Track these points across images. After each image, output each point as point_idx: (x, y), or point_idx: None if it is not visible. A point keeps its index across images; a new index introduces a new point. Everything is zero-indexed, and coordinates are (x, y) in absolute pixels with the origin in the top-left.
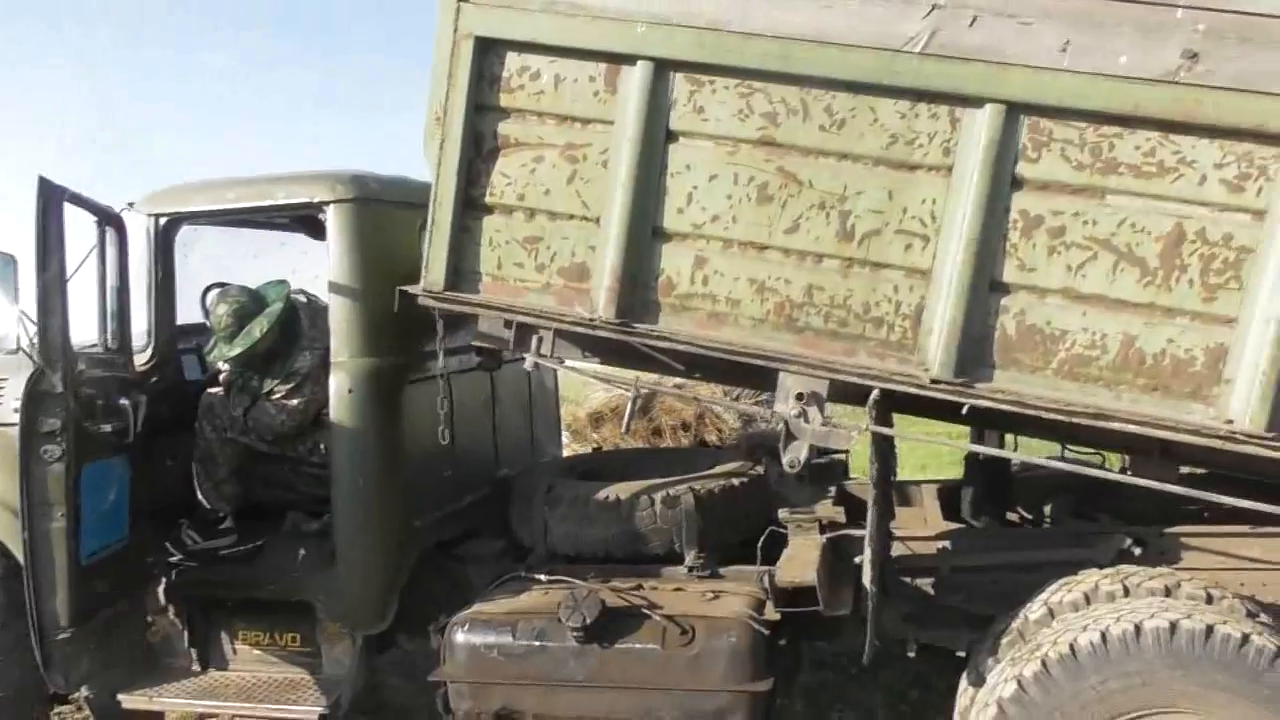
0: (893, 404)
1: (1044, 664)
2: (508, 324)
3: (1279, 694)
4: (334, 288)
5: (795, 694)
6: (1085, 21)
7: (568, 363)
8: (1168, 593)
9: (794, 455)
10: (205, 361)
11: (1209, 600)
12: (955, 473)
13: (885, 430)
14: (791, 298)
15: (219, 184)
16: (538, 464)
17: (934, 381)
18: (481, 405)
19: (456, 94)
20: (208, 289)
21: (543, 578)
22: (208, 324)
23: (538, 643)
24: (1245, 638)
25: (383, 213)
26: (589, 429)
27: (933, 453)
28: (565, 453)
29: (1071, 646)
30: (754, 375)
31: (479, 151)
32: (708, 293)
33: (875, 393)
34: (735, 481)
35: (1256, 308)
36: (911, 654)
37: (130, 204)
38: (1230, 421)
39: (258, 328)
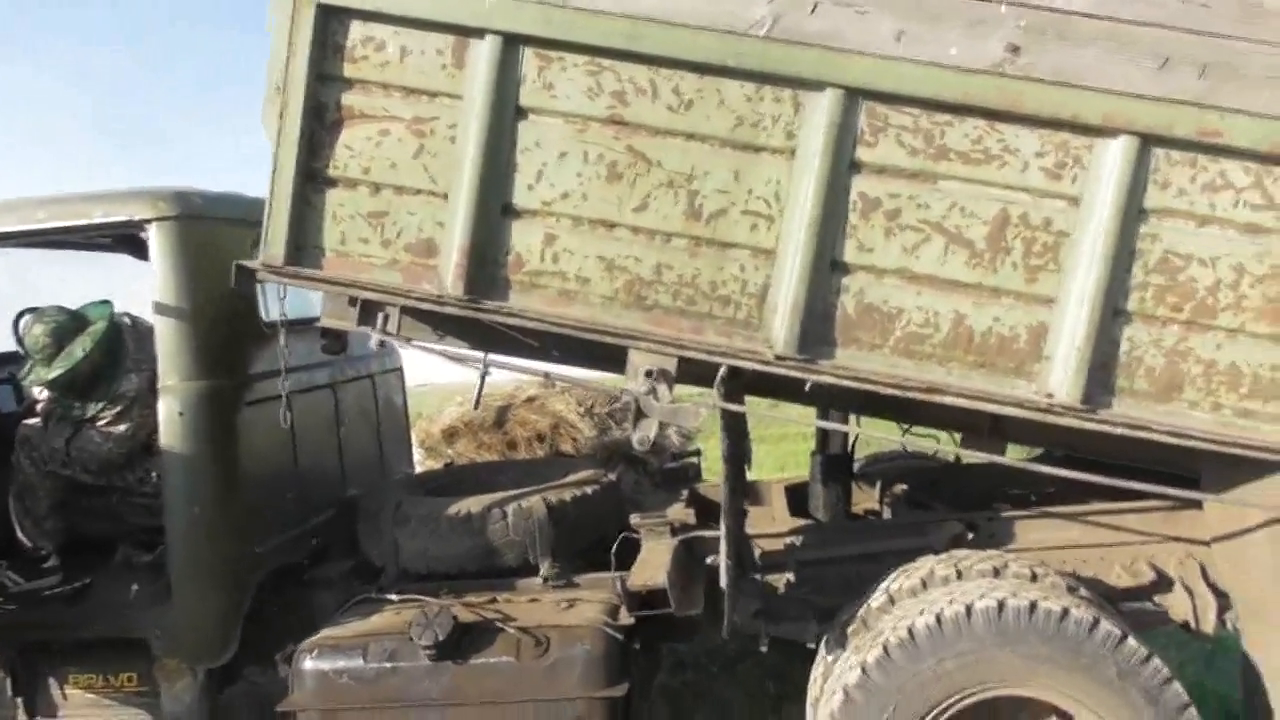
0: (741, 383)
1: (885, 649)
2: (352, 301)
3: (1097, 662)
4: (160, 309)
5: (655, 696)
6: (919, 12)
7: (414, 342)
8: (997, 574)
9: (644, 433)
10: (20, 391)
11: (1033, 579)
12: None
13: (732, 406)
14: (641, 276)
15: (28, 203)
16: (387, 481)
17: (778, 358)
18: (325, 423)
19: (297, 62)
20: (20, 314)
21: (394, 597)
22: (21, 351)
23: (389, 664)
24: (1065, 611)
25: (209, 230)
26: (443, 444)
27: (791, 453)
28: (418, 470)
29: (910, 630)
30: (605, 354)
31: (321, 122)
32: (558, 270)
33: (723, 369)
34: (588, 489)
35: (1073, 288)
36: (764, 649)
37: None
38: (1050, 395)
39: (79, 347)
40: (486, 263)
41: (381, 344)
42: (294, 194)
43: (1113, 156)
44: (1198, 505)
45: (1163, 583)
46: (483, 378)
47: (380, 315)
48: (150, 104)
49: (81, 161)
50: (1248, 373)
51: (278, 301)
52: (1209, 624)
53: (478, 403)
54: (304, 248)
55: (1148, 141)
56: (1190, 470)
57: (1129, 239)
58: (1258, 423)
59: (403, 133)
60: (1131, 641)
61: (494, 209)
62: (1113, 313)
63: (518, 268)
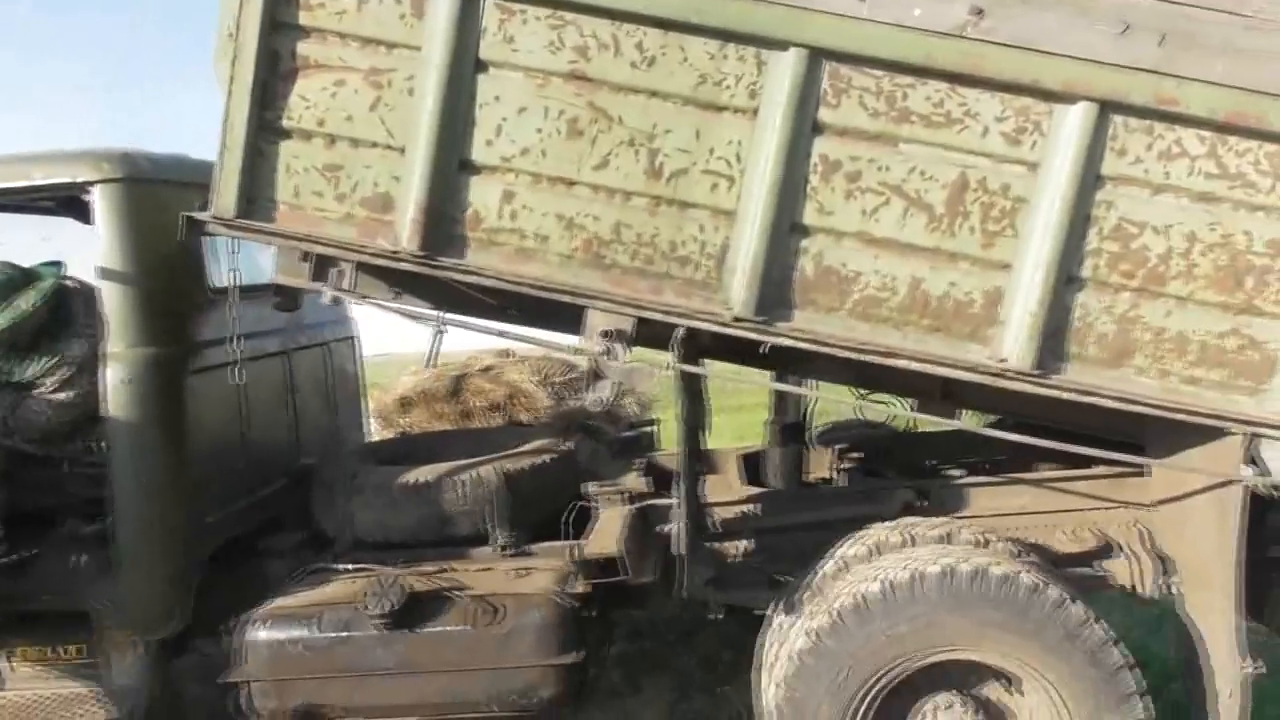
0: (699, 345)
1: (838, 614)
2: (305, 257)
3: (1042, 625)
4: (104, 273)
5: (610, 664)
6: None
7: (369, 299)
8: (947, 540)
9: (599, 393)
10: None
11: (983, 545)
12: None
13: (689, 368)
14: (600, 234)
15: None
16: (340, 451)
17: (736, 320)
18: (277, 392)
19: (250, 8)
20: None
21: (347, 567)
22: None
23: (342, 634)
24: (1012, 576)
25: (156, 193)
26: (398, 414)
27: (749, 423)
28: (372, 439)
29: (862, 596)
30: (563, 314)
31: (275, 72)
32: (516, 227)
33: (680, 330)
34: (544, 459)
35: (1029, 254)
36: (718, 616)
37: None
38: (1004, 360)
39: (25, 300)
40: (443, 219)
41: (336, 301)
42: (246, 145)
43: (1072, 123)
44: (1144, 472)
45: (1108, 548)
46: (437, 335)
47: (334, 271)
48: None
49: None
50: (1195, 340)
51: (227, 263)
52: (1151, 588)
53: (431, 361)
54: (256, 200)
55: (1106, 108)
56: (1138, 437)
57: (1085, 205)
58: (1203, 389)
59: (359, 84)
60: (1075, 605)
61: (452, 164)
62: (1066, 279)
63: (475, 225)
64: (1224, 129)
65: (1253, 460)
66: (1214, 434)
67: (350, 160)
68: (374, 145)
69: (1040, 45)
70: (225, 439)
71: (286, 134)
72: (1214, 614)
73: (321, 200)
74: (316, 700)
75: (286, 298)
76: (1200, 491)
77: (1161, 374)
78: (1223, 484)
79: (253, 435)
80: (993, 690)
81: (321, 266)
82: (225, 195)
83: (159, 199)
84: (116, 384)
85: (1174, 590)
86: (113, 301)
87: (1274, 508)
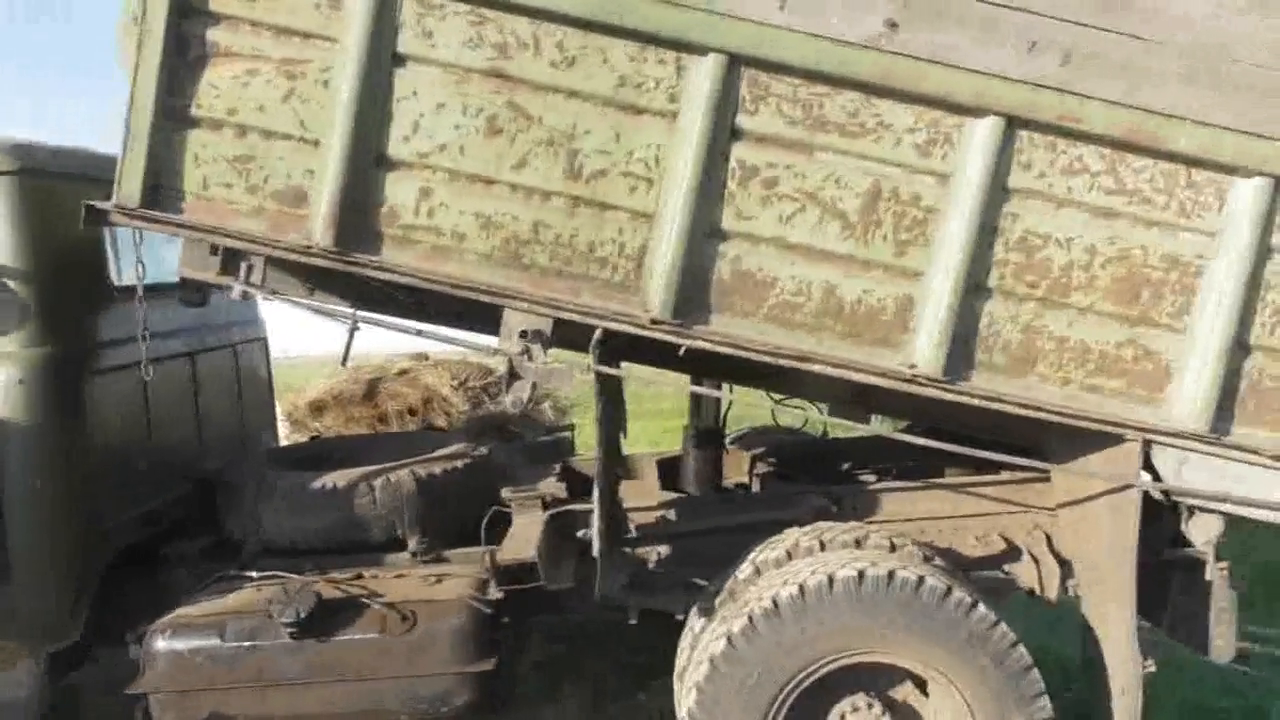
0: (617, 347)
1: (750, 619)
2: (214, 250)
3: (949, 628)
4: None
5: (526, 671)
6: None
7: (280, 295)
8: (858, 545)
9: (517, 394)
10: None
11: (892, 549)
12: None
13: (607, 370)
14: (518, 234)
15: None
16: (249, 455)
17: (654, 322)
18: (182, 394)
19: None
20: None
21: (254, 574)
22: None
23: (249, 643)
24: (920, 579)
25: (54, 186)
26: (310, 418)
27: (666, 430)
28: (283, 443)
29: (774, 600)
30: (480, 314)
31: (184, 58)
32: (433, 225)
33: (598, 332)
34: (459, 463)
35: (939, 263)
36: (634, 621)
37: None
38: (914, 366)
39: None
40: (358, 215)
41: (245, 296)
42: (152, 132)
43: (980, 136)
44: (1047, 478)
45: (1012, 552)
46: (351, 333)
47: (244, 265)
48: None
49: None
50: (1095, 349)
51: (133, 259)
52: (1053, 590)
53: (345, 358)
54: (162, 189)
55: (1013, 123)
56: (1041, 443)
57: (992, 217)
58: (1102, 397)
59: (272, 74)
60: (981, 608)
61: (368, 159)
62: (974, 288)
63: (391, 221)
64: (1122, 147)
65: (1149, 466)
66: (1112, 441)
67: (262, 152)
68: (287, 137)
69: (951, 60)
70: (126, 443)
71: (195, 122)
72: (1111, 615)
73: (231, 192)
74: (222, 711)
75: (193, 292)
76: (1099, 496)
77: (1064, 381)
78: (1120, 489)
79: (156, 439)
80: (903, 692)
81: (231, 260)
82: (129, 184)
83: (56, 193)
84: (10, 385)
85: (1074, 592)
86: (6, 299)
87: (1168, 512)
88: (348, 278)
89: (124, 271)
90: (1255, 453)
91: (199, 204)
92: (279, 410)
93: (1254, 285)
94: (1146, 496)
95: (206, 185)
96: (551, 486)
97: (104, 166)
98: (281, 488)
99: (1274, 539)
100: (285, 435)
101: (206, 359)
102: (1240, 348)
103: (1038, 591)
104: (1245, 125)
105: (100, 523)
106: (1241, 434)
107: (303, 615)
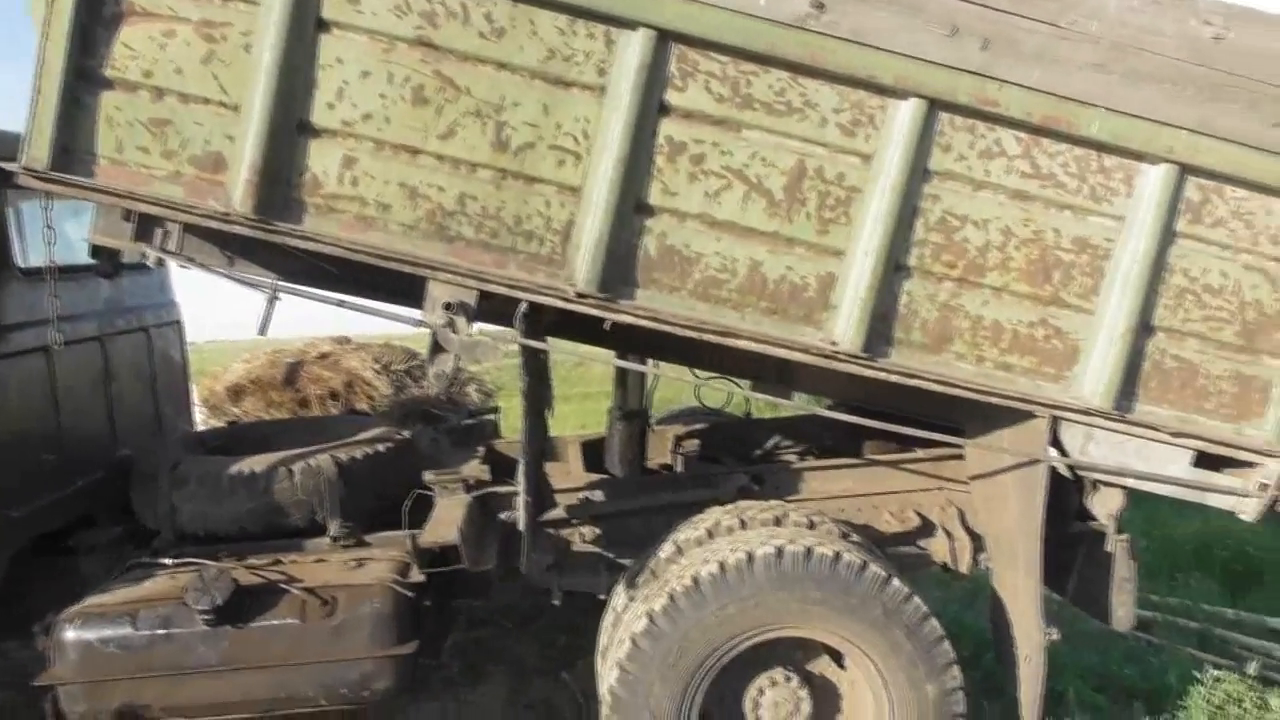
0: (543, 321)
1: (671, 597)
2: (128, 215)
3: (864, 603)
4: None
5: (448, 653)
6: None
7: (197, 263)
8: (778, 522)
9: (440, 367)
10: None
11: (811, 526)
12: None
13: (532, 343)
14: (444, 205)
15: None
16: (163, 440)
17: (580, 296)
18: (93, 379)
19: None
20: None
21: (168, 561)
22: None
23: (162, 631)
24: (837, 556)
25: None
26: (228, 402)
27: (593, 412)
28: (200, 429)
29: (694, 578)
30: (404, 286)
31: (97, 17)
32: (356, 194)
33: (523, 305)
34: (381, 447)
35: (860, 242)
36: (557, 602)
37: None
38: (835, 343)
39: None
40: (279, 182)
41: (160, 263)
42: (62, 92)
43: (903, 118)
44: (961, 455)
45: (926, 527)
46: (270, 302)
47: (159, 232)
48: None
49: None
50: (1008, 329)
51: (38, 242)
52: (965, 564)
53: (264, 328)
54: (73, 152)
55: (934, 106)
56: (956, 420)
57: (913, 198)
58: (1014, 375)
59: (190, 36)
60: (896, 582)
61: (289, 126)
62: (895, 267)
63: (314, 190)
64: (1038, 131)
65: (1056, 442)
66: (1023, 417)
67: (180, 115)
68: (206, 101)
69: (876, 42)
70: (33, 429)
71: (109, 84)
72: (1019, 586)
73: (147, 156)
74: (135, 702)
75: (106, 260)
76: (1008, 470)
77: (978, 359)
78: (1028, 464)
79: (65, 425)
80: (820, 665)
81: (145, 227)
82: (38, 145)
83: None
84: None
85: (986, 565)
86: None
87: (1074, 486)
88: (270, 249)
89: (28, 254)
90: (1157, 429)
91: (112, 168)
92: (195, 395)
93: (1158, 268)
94: (1054, 471)
95: (120, 148)
96: (475, 469)
97: (11, 146)
98: (196, 474)
99: (1177, 514)
100: (202, 421)
101: (118, 342)
102: (1144, 328)
103: (951, 565)
104: (1154, 114)
105: (6, 512)
106: (1144, 411)
107: (219, 602)
